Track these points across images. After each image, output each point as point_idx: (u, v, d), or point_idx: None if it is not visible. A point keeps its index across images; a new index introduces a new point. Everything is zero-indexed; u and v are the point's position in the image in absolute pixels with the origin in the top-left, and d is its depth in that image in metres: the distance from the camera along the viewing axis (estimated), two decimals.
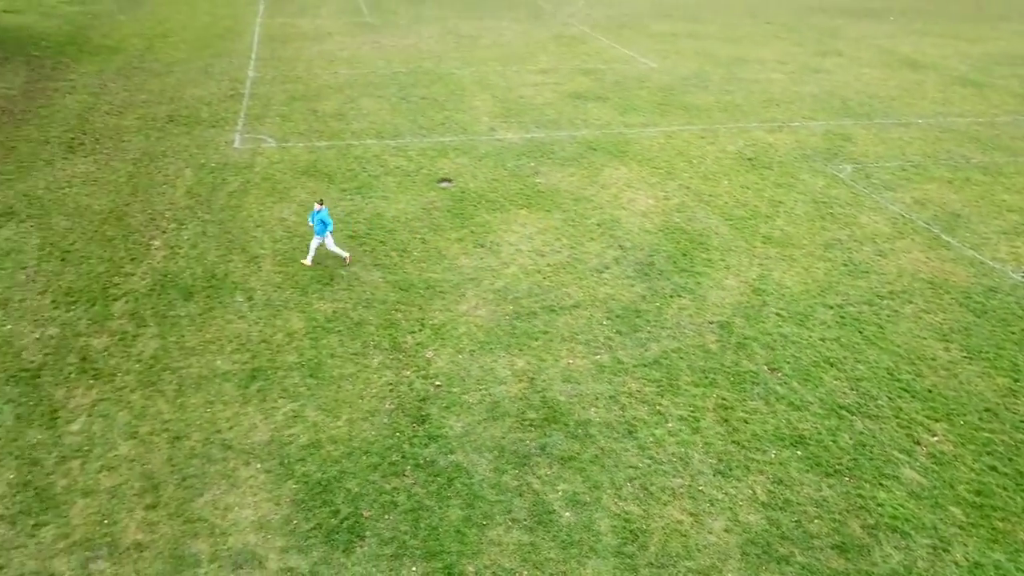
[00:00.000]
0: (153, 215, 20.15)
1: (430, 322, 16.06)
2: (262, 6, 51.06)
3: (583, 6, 54.97)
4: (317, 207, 17.25)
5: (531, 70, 36.14)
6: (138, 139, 25.45)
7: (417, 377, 14.36)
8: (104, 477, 11.76)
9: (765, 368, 15.01)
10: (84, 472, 11.84)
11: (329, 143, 25.69)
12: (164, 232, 19.27)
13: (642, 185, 23.27)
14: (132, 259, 17.94)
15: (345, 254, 18.04)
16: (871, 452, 12.97)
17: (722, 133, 28.25)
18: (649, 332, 15.99)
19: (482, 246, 19.24)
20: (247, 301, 16.46)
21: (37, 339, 14.94)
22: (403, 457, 12.44)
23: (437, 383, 14.23)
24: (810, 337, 16.05)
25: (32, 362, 14.26)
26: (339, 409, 13.42)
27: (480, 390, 14.09)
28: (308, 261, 17.91)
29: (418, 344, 15.33)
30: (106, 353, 14.62)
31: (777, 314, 16.83)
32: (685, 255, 19.16)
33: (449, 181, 23.07)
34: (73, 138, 25.29)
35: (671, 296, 17.33)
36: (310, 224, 17.97)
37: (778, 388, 14.46)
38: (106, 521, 11.00)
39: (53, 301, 16.16)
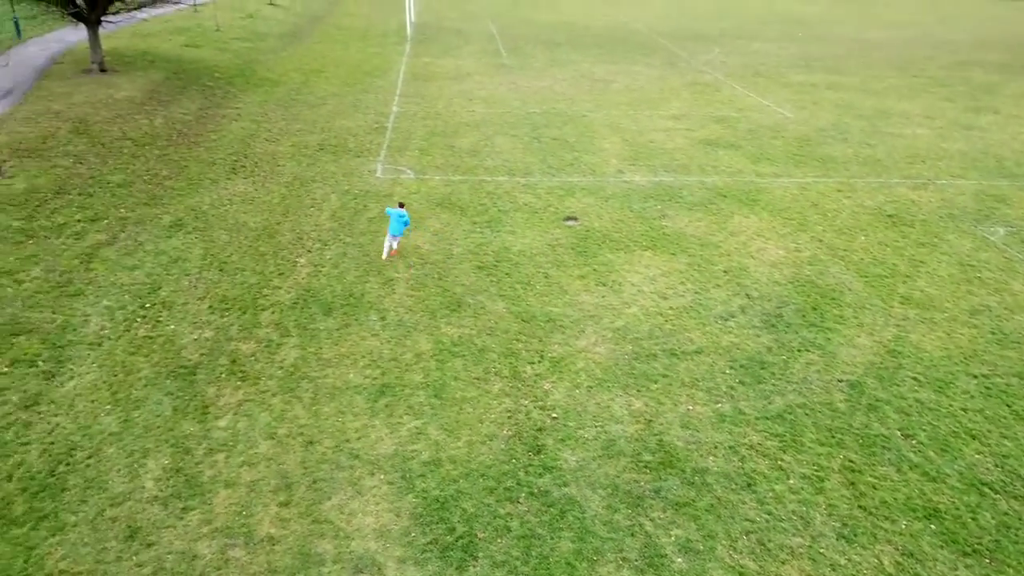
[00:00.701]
0: (300, 235, 21.76)
1: (549, 355, 16.37)
2: (408, 46, 54.25)
3: (718, 54, 54.76)
4: (399, 208, 19.83)
5: (663, 115, 36.33)
6: (291, 164, 27.61)
7: (534, 407, 14.67)
8: (245, 472, 12.74)
9: (898, 433, 14.26)
10: (228, 465, 12.88)
11: (463, 177, 26.84)
12: (309, 251, 20.75)
13: (772, 235, 22.80)
14: (280, 274, 19.42)
15: (385, 253, 20.37)
16: (1016, 535, 12.01)
17: (860, 187, 27.25)
18: (774, 385, 15.59)
19: (604, 284, 19.45)
20: (380, 320, 17.42)
21: (195, 340, 16.43)
22: (518, 484, 12.72)
23: (554, 415, 14.47)
24: (950, 406, 15.11)
25: (189, 360, 15.71)
26: (459, 430, 13.91)
27: (596, 427, 14.20)
28: (385, 256, 20.18)
29: (537, 375, 15.66)
30: (253, 358, 15.88)
31: (914, 378, 15.96)
32: (815, 309, 18.57)
33: (575, 219, 23.52)
34: (236, 161, 27.77)
35: (799, 350, 16.83)
36: (387, 215, 20.34)
37: (912, 456, 13.68)
38: (244, 512, 11.90)
39: (210, 306, 17.74)
